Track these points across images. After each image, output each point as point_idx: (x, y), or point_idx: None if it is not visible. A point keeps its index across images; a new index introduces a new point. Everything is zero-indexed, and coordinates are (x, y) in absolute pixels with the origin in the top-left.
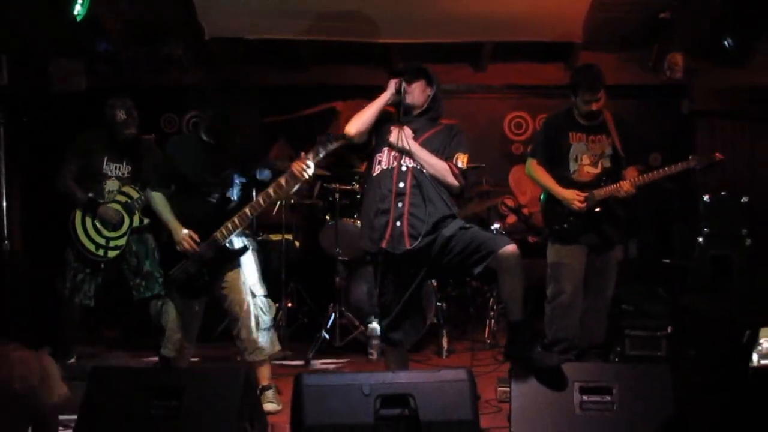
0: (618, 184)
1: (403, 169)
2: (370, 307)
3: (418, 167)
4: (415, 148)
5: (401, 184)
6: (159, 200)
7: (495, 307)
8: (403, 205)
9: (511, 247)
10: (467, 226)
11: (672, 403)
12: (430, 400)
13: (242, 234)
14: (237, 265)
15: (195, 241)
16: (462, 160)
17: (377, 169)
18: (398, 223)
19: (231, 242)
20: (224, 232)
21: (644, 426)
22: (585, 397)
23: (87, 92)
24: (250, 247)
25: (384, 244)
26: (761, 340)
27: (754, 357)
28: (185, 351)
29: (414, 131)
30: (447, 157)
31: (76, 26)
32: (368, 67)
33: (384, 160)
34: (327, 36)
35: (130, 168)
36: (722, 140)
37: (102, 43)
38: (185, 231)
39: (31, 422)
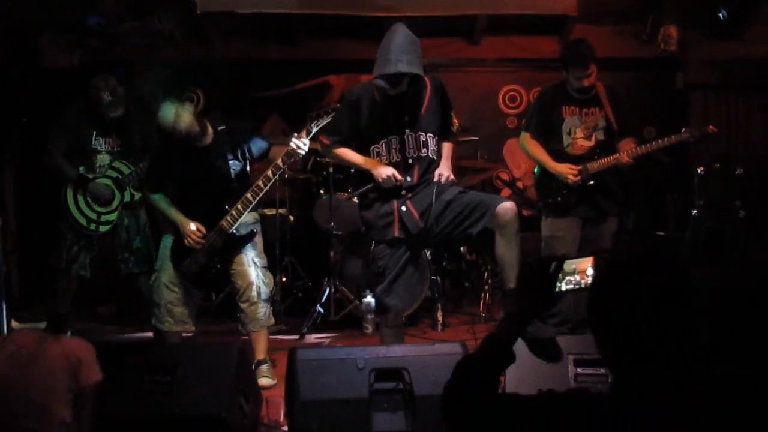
0: (614, 156)
1: (409, 161)
2: (365, 281)
3: (424, 155)
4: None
5: (408, 179)
6: (160, 201)
7: (490, 281)
8: (410, 194)
9: (508, 204)
10: (465, 190)
11: None
12: (425, 373)
13: (254, 209)
14: (245, 248)
15: (203, 233)
16: (455, 122)
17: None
18: (403, 208)
19: (237, 229)
20: (230, 220)
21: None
22: (579, 370)
23: (79, 67)
24: (258, 232)
25: (396, 233)
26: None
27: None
28: (184, 327)
29: (414, 119)
30: (445, 122)
31: (68, 0)
32: (361, 40)
33: (384, 152)
34: (320, 9)
35: (120, 141)
36: (716, 112)
37: (94, 17)
38: (192, 225)
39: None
